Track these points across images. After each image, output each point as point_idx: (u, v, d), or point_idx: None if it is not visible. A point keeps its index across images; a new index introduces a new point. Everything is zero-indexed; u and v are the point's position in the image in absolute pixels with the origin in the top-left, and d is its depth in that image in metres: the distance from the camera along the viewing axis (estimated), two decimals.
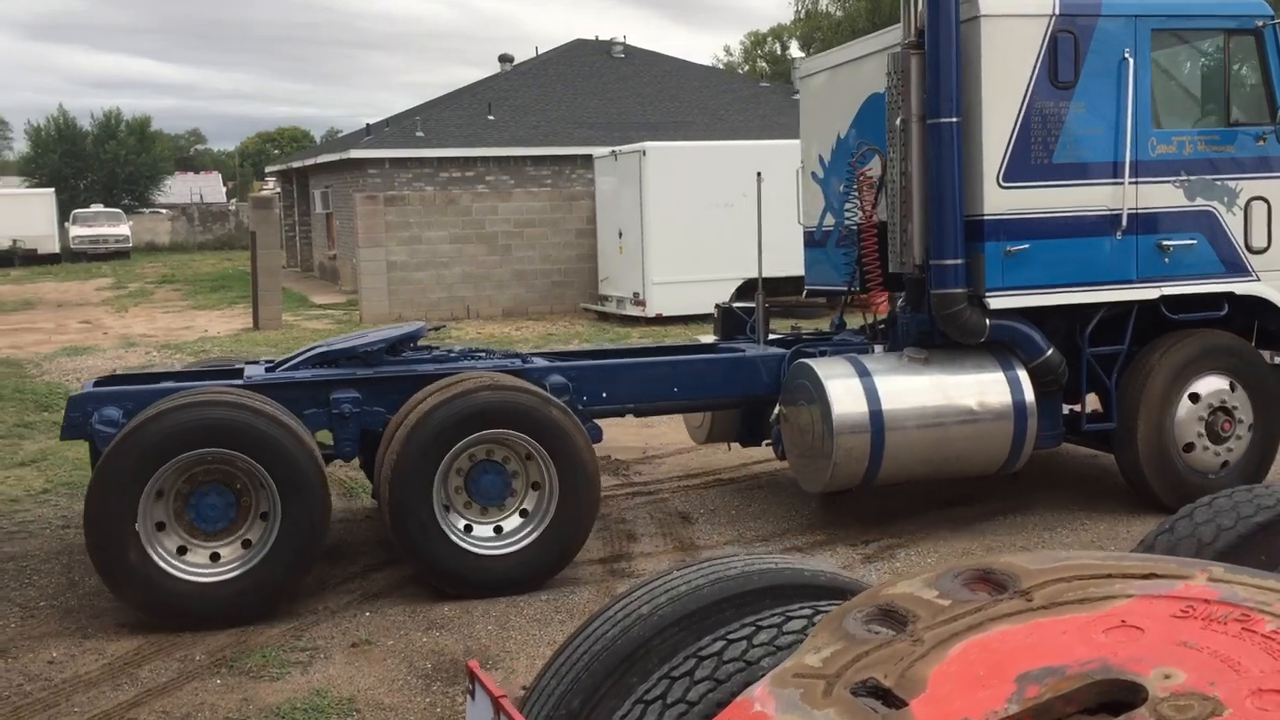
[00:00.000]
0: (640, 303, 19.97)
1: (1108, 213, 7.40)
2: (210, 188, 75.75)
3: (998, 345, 7.40)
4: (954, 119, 7.08)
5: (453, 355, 7.49)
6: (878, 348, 7.82)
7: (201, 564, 6.12)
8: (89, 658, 5.78)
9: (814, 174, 9.08)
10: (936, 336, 7.51)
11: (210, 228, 55.59)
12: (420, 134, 28.84)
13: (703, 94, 33.58)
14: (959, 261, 7.16)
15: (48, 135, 60.29)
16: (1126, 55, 7.33)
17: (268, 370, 7.14)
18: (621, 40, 36.30)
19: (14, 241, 43.03)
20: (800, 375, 7.36)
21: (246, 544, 6.17)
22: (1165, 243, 7.51)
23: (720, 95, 33.65)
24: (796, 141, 9.46)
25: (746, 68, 63.29)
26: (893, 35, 7.70)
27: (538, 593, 6.58)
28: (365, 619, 6.24)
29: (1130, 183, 7.38)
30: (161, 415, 5.99)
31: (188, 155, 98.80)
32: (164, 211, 59.40)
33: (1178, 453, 7.61)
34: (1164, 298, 7.59)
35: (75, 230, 46.26)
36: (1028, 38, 7.21)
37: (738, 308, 8.83)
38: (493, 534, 6.58)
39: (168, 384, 6.84)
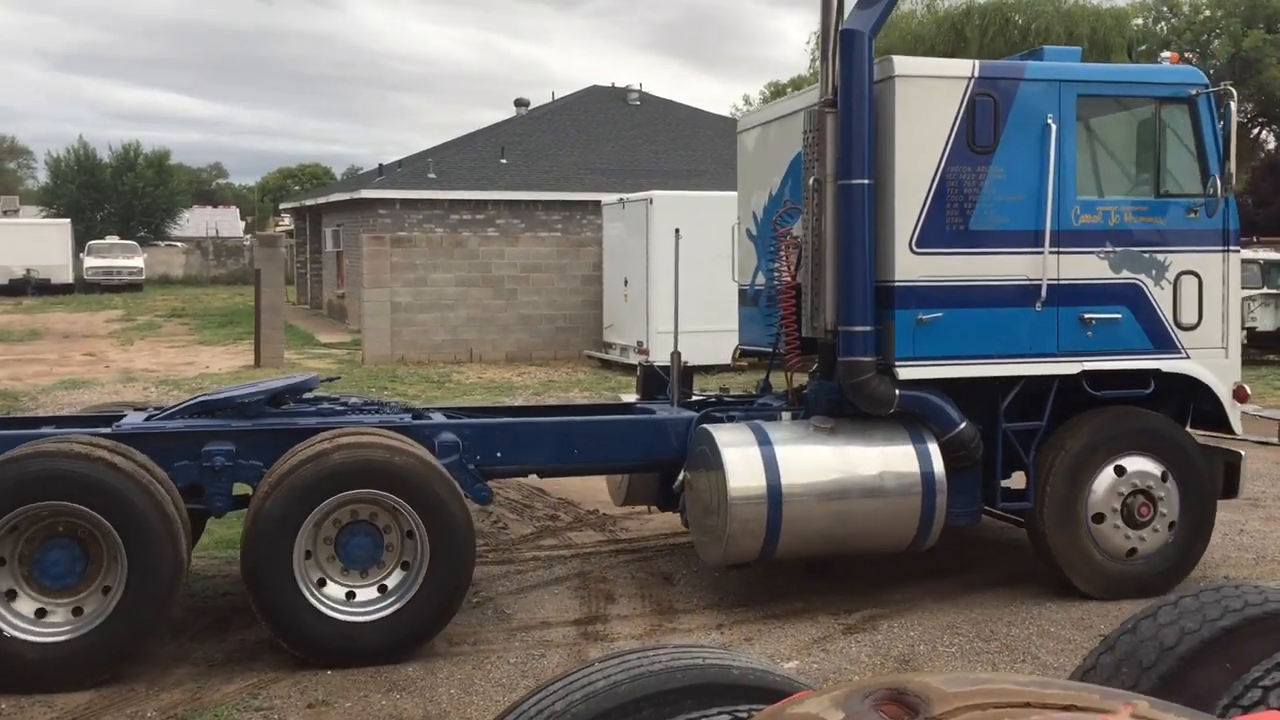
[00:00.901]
0: (644, 351, 19.84)
1: (1027, 283, 7.18)
2: (227, 222, 76.38)
3: (910, 416, 7.14)
4: (865, 181, 6.90)
5: (338, 409, 7.28)
6: (786, 415, 7.57)
7: (45, 623, 5.93)
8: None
9: (748, 231, 8.91)
10: (847, 405, 7.24)
11: (224, 262, 55.94)
12: (432, 176, 29.06)
13: (716, 143, 33.73)
14: (868, 329, 6.95)
15: (67, 166, 60.99)
16: (1050, 121, 7.13)
17: (146, 419, 6.96)
18: (637, 87, 36.59)
19: (28, 271, 43.51)
20: (701, 441, 7.16)
21: (77, 611, 5.98)
22: (1088, 316, 7.28)
23: (734, 145, 33.70)
24: None
25: None
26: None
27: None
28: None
29: (1051, 252, 7.16)
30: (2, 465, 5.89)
31: (209, 189, 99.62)
32: (179, 244, 59.92)
33: (1090, 535, 7.32)
34: (1085, 373, 7.33)
35: (89, 261, 46.76)
36: (944, 100, 7.05)
37: (659, 367, 8.51)
38: (361, 599, 6.34)
39: (47, 429, 6.75)
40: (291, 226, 46.40)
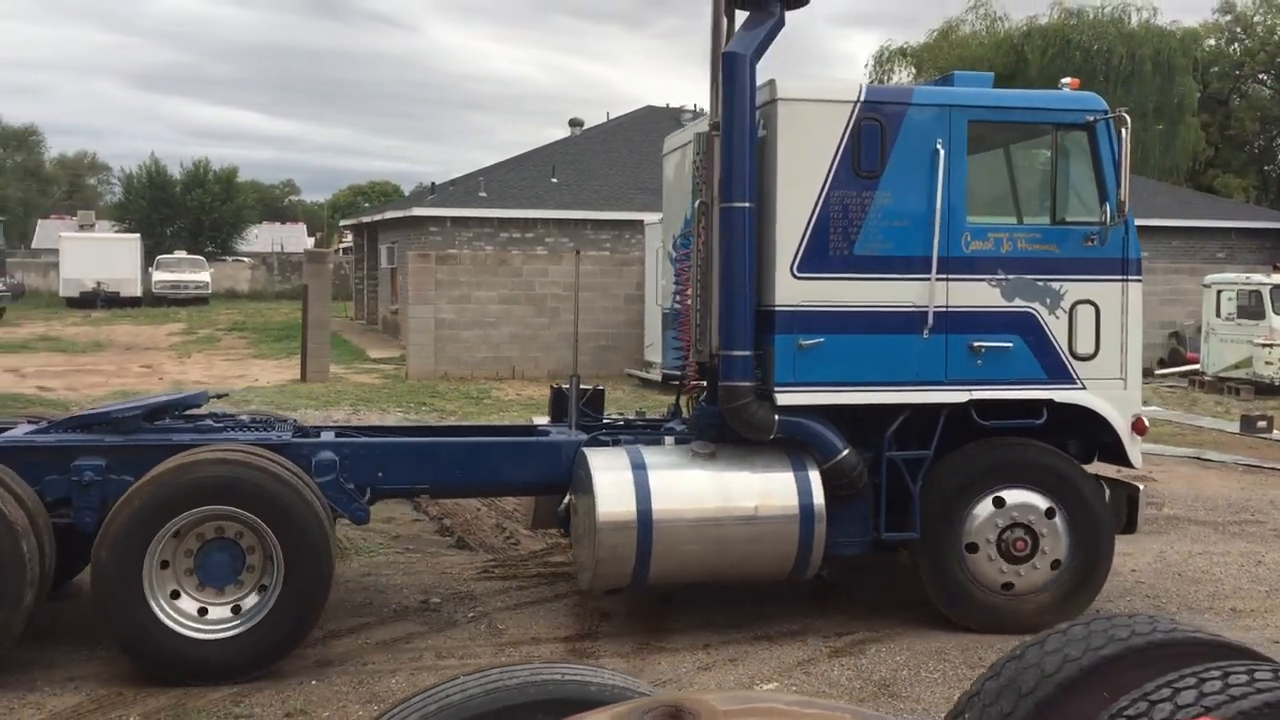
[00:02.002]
0: None
1: (913, 309, 7.13)
2: (293, 238, 77.74)
3: (793, 443, 7.10)
4: (746, 204, 6.92)
5: (217, 426, 7.38)
6: (669, 439, 7.57)
7: None
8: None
9: (670, 255, 8.86)
10: (729, 431, 7.18)
11: (289, 277, 57.09)
12: (483, 194, 29.50)
13: None
14: (747, 353, 6.96)
15: (139, 182, 62.61)
16: (939, 147, 7.07)
17: (27, 433, 7.08)
18: (691, 108, 36.63)
19: (98, 284, 44.82)
20: (579, 465, 7.18)
21: None
22: (978, 344, 7.18)
23: None
24: None
25: None
26: None
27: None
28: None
29: (939, 279, 7.10)
30: None
31: (281, 205, 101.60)
32: (245, 260, 61.23)
33: (965, 570, 7.24)
34: (974, 402, 7.23)
35: (158, 275, 48.24)
36: (829, 124, 7.03)
37: (567, 389, 8.49)
38: (213, 616, 6.39)
39: None
40: (352, 243, 47.24)
